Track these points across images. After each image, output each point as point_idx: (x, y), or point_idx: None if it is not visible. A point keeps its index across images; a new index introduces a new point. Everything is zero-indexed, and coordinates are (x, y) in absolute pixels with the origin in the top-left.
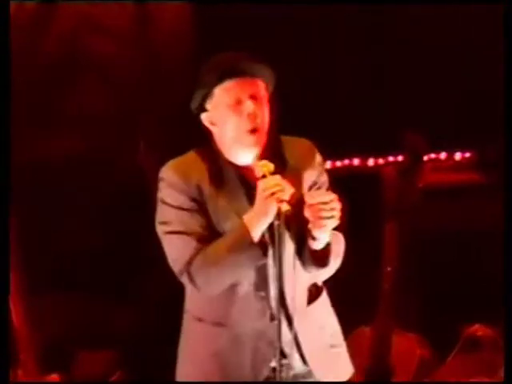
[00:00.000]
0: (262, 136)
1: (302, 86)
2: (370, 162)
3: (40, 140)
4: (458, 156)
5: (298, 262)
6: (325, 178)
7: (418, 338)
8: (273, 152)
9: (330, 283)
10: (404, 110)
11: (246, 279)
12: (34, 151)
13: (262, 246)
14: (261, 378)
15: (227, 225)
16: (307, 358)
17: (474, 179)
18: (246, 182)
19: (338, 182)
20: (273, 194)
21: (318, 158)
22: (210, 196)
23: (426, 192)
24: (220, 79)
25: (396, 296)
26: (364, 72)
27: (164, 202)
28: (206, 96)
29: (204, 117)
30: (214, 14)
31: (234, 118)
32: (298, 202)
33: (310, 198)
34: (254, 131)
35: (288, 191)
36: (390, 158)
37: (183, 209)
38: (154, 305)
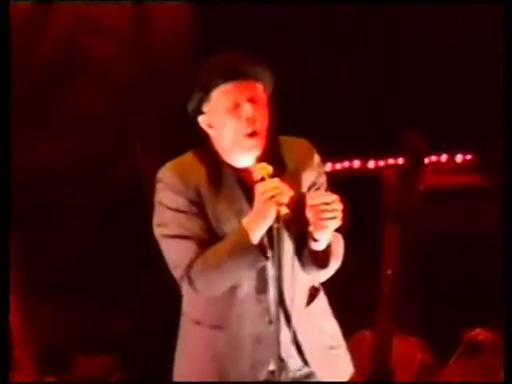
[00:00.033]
0: (261, 139)
1: (302, 86)
2: (371, 164)
3: (37, 140)
4: (459, 158)
5: (297, 264)
6: (324, 179)
7: (419, 341)
8: (271, 154)
9: (330, 286)
10: (404, 111)
11: (246, 282)
12: (32, 151)
13: (262, 249)
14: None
15: (226, 228)
16: (308, 359)
17: (476, 181)
18: (244, 184)
19: (338, 185)
20: (272, 197)
21: (317, 158)
22: (208, 198)
23: (426, 194)
24: (217, 82)
25: (396, 299)
26: (364, 72)
27: (162, 204)
28: (203, 99)
29: (201, 119)
30: (213, 14)
31: (232, 122)
32: (297, 203)
33: (312, 198)
34: (252, 134)
35: (287, 194)
36: (391, 161)
37: (181, 211)
38: (153, 306)
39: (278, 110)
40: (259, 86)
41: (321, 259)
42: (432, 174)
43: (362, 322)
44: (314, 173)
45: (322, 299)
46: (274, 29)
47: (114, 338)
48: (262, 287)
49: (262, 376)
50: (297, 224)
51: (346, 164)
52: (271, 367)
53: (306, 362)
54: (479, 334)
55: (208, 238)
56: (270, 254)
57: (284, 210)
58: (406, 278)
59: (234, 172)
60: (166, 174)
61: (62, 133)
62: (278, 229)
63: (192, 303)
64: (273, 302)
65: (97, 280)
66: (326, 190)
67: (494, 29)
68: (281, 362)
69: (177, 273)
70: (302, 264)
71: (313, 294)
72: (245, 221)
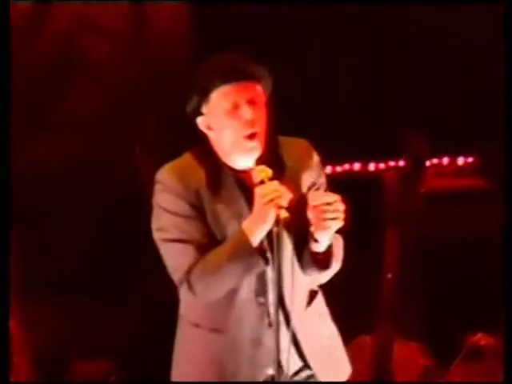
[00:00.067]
0: (261, 140)
1: (302, 86)
2: (371, 166)
3: (37, 140)
4: (460, 161)
5: (297, 267)
6: (323, 179)
7: (420, 346)
8: (271, 155)
9: (330, 290)
10: (405, 112)
11: (245, 285)
12: (32, 151)
13: (261, 252)
14: None
15: (226, 230)
16: (308, 360)
17: (477, 184)
18: (244, 186)
19: (339, 187)
20: (271, 200)
21: (316, 158)
22: (208, 200)
23: (428, 197)
24: (217, 84)
25: (397, 304)
26: (364, 72)
27: (160, 207)
28: (202, 100)
29: (200, 121)
30: (212, 14)
31: (231, 123)
32: (297, 205)
33: (314, 199)
34: (252, 136)
35: (286, 197)
36: (392, 163)
37: (180, 215)
38: (153, 307)
39: (277, 110)
40: (258, 88)
41: (322, 260)
42: (433, 177)
43: (363, 327)
44: (314, 173)
45: (320, 300)
46: (274, 29)
47: (113, 338)
48: (261, 290)
49: (262, 379)
50: (297, 226)
51: (347, 166)
52: (270, 372)
53: (306, 363)
54: (481, 338)
55: (207, 242)
56: (269, 257)
57: (284, 214)
58: (406, 281)
59: (233, 173)
60: (165, 176)
61: (62, 133)
62: (277, 232)
63: (191, 306)
64: (272, 305)
65: (96, 280)
66: (326, 191)
67: (494, 29)
68: (280, 367)
69: (176, 277)
70: (303, 266)
71: (312, 296)
72: (244, 224)
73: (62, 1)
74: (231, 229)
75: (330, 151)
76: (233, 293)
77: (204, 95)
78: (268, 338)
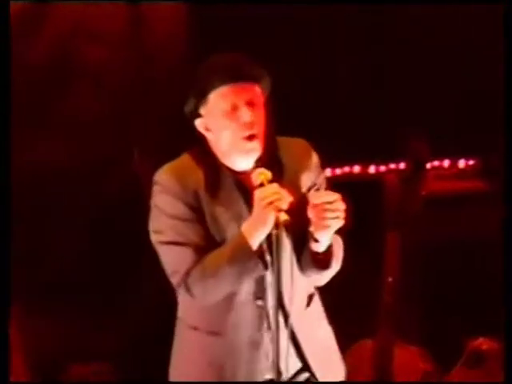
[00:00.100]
0: (260, 141)
1: (302, 86)
2: (372, 169)
3: (37, 140)
4: (461, 163)
5: (296, 269)
6: (323, 179)
7: (421, 351)
8: (270, 156)
9: (331, 295)
10: (405, 113)
11: (243, 288)
12: (32, 151)
13: (261, 255)
14: None
15: (226, 233)
16: (309, 361)
17: (479, 187)
18: (243, 187)
19: (339, 190)
20: (271, 203)
21: (315, 158)
22: (206, 201)
23: (428, 200)
24: (215, 85)
25: (398, 307)
26: (364, 72)
27: (158, 209)
28: (201, 101)
29: (198, 122)
30: (211, 14)
31: (229, 125)
32: (297, 206)
33: (314, 198)
34: (251, 137)
35: (286, 200)
36: (392, 166)
37: (179, 217)
38: (152, 308)
39: (277, 110)
40: (257, 88)
41: (321, 260)
42: (434, 180)
43: (363, 331)
44: (313, 174)
45: (317, 302)
46: (274, 29)
47: (113, 339)
48: (260, 293)
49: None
50: (297, 228)
51: (347, 169)
52: (269, 374)
53: (305, 365)
54: (483, 343)
55: (206, 244)
56: (268, 260)
57: (283, 216)
58: (407, 285)
59: (232, 175)
60: (163, 177)
61: (62, 133)
62: (277, 235)
63: (189, 309)
64: (272, 308)
65: (96, 281)
66: (326, 190)
67: (494, 29)
68: (278, 370)
69: (174, 280)
70: (302, 267)
71: (310, 298)
72: (244, 227)
73: (59, 1)
74: (230, 231)
75: (330, 153)
76: (231, 295)
77: (202, 97)
78: (267, 340)
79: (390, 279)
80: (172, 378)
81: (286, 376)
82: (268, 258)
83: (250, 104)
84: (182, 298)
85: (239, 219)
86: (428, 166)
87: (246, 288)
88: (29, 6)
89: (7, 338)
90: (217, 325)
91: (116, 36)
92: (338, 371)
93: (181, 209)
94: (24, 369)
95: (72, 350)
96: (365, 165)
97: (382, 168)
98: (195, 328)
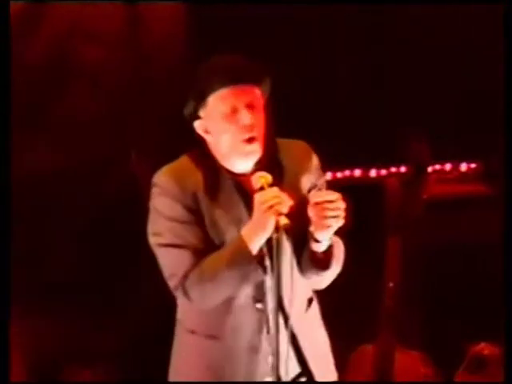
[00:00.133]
0: (260, 144)
1: (302, 86)
2: (373, 172)
3: (37, 140)
4: (463, 167)
5: (296, 273)
6: (323, 180)
7: (422, 355)
8: (270, 158)
9: (331, 299)
10: (405, 114)
11: (243, 292)
12: (32, 151)
13: (260, 260)
14: None
15: (225, 236)
16: (309, 365)
17: (480, 191)
18: (243, 190)
19: (340, 193)
20: (271, 206)
21: (315, 160)
22: (206, 204)
23: (430, 204)
24: (214, 87)
25: (399, 312)
26: (364, 72)
27: (157, 211)
28: (200, 104)
29: (197, 125)
30: (209, 14)
31: (229, 128)
32: (297, 208)
33: (315, 197)
34: (251, 140)
35: (286, 204)
36: (393, 169)
37: (177, 220)
38: (152, 309)
39: (277, 111)
40: (257, 91)
41: (322, 260)
42: (436, 183)
43: (364, 336)
44: (314, 175)
45: (315, 307)
46: (274, 29)
47: (113, 339)
48: (259, 297)
49: None
50: (297, 230)
51: (347, 173)
52: (268, 378)
53: (305, 368)
54: (484, 348)
55: (204, 247)
56: (268, 264)
57: (283, 221)
58: (408, 289)
59: (231, 177)
60: (162, 179)
61: (62, 133)
62: (277, 239)
63: (187, 312)
64: (271, 311)
65: (96, 281)
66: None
67: (494, 29)
68: (278, 374)
69: (171, 283)
70: (303, 268)
71: (309, 302)
72: (243, 231)
73: (56, 1)
74: (230, 234)
75: (331, 156)
76: (230, 299)
77: (201, 99)
78: (266, 344)
79: (391, 284)
80: (172, 379)
81: (285, 379)
82: (268, 262)
83: (250, 106)
84: (180, 301)
85: (239, 222)
86: (429, 169)
87: (246, 291)
88: (26, 6)
89: (7, 338)
90: (215, 328)
91: (114, 36)
92: (332, 377)
93: (179, 211)
94: (22, 369)
95: (72, 350)
96: (366, 168)
97: (383, 171)
98: (192, 332)
